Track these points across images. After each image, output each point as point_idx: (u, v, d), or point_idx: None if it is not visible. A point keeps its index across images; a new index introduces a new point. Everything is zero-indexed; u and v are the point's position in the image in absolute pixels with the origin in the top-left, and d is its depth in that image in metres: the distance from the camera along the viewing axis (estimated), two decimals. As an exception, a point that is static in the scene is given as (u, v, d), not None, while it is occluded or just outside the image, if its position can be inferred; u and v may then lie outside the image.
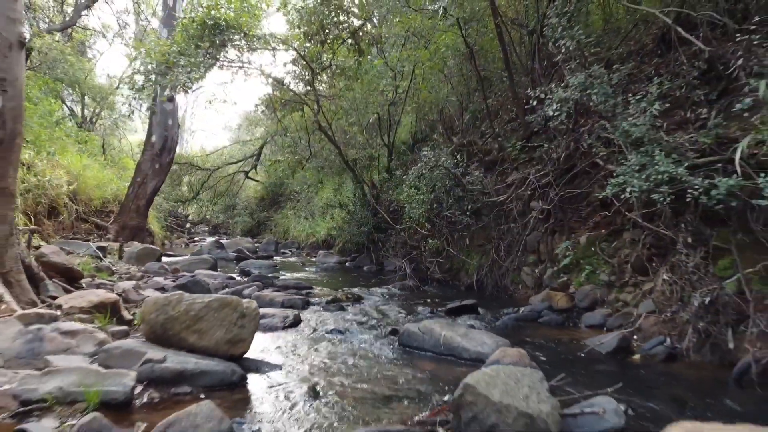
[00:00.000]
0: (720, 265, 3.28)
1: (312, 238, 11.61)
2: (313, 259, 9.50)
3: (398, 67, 7.55)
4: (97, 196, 10.58)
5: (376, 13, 10.18)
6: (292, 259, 9.95)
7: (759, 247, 3.04)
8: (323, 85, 7.85)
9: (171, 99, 10.79)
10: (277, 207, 17.00)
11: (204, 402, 1.76)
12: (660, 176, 2.99)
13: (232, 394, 2.28)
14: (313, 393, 2.29)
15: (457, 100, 7.41)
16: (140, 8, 13.64)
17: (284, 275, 6.84)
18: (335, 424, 1.96)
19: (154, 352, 2.40)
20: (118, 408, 2.02)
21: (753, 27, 3.65)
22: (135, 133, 17.29)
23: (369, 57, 7.03)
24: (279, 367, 2.70)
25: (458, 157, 6.00)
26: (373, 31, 6.57)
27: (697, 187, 2.86)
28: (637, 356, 3.14)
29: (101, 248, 6.90)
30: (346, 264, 8.63)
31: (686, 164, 3.11)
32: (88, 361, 2.50)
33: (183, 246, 13.81)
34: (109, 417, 1.82)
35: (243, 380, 2.42)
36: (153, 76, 5.65)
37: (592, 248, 4.51)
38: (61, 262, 4.30)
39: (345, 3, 6.33)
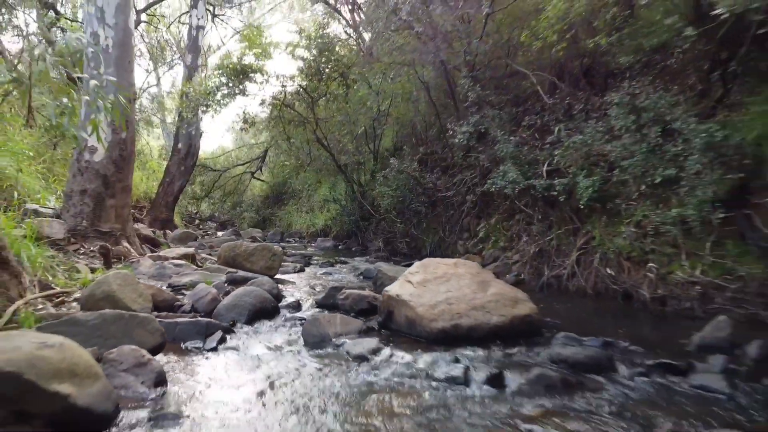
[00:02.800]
0: (553, 230, 5.55)
1: (312, 229, 13.88)
2: (313, 245, 11.78)
3: (380, 92, 9.80)
4: (132, 194, 12.88)
5: (368, 33, 12.42)
6: (295, 244, 12.24)
7: (567, 220, 5.32)
8: (320, 107, 10.09)
9: (195, 113, 13.10)
10: (281, 204, 19.23)
11: (265, 276, 4.04)
12: (508, 178, 5.27)
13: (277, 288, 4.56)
14: (311, 287, 4.58)
15: (422, 120, 9.69)
16: (163, 35, 15.91)
17: (291, 252, 9.12)
18: (324, 288, 4.24)
19: (230, 269, 4.69)
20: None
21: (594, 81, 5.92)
22: (157, 139, 19.55)
23: (355, 87, 9.29)
24: (294, 282, 4.99)
25: (416, 163, 8.28)
26: (357, 72, 8.81)
27: (522, 185, 5.14)
28: (499, 283, 5.40)
29: (154, 232, 9.16)
30: (339, 247, 10.91)
31: (527, 171, 5.39)
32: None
33: (200, 237, 16.12)
34: (221, 286, 4.11)
35: (277, 283, 4.70)
36: (200, 106, 7.94)
37: (498, 226, 6.79)
38: (147, 234, 6.60)
39: (336, 54, 8.60)
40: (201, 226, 22.64)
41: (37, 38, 13.10)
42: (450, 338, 2.79)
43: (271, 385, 2.20)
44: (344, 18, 16.60)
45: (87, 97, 2.84)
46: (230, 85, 8.04)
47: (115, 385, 1.98)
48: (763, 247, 3.28)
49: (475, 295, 2.97)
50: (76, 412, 1.64)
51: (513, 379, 2.22)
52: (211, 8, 15.32)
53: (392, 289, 3.14)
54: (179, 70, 20.69)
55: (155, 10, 14.82)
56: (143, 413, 1.84)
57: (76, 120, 3.51)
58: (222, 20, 15.42)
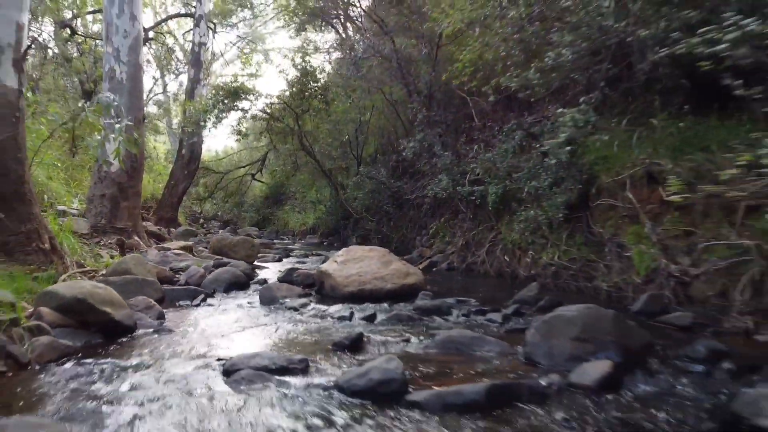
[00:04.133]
0: (479, 227, 6.87)
1: (303, 227, 15.26)
2: (302, 241, 13.16)
3: (360, 106, 11.15)
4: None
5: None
6: (287, 241, 13.63)
7: (487, 219, 6.62)
8: (306, 120, 11.46)
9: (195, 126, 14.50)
10: (279, 204, 20.65)
11: (243, 262, 5.40)
12: (441, 185, 6.59)
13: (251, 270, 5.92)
14: (280, 270, 5.93)
15: (394, 131, 11.03)
16: (169, 48, 17.33)
17: (278, 246, 10.48)
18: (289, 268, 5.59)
19: (218, 257, 6.06)
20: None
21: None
22: (164, 143, 21.02)
23: (335, 103, 10.67)
24: (268, 267, 6.35)
25: (383, 170, 9.62)
26: (334, 91, 10.20)
27: (450, 191, 6.45)
28: (434, 269, 6.73)
29: (159, 229, 10.56)
30: (324, 243, 12.28)
31: (459, 180, 6.71)
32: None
33: (201, 234, 17.57)
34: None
35: (254, 268, 6.05)
36: (199, 122, 9.34)
37: (445, 224, 8.11)
38: (154, 231, 7.97)
39: (317, 76, 9.99)
40: (205, 225, 24.09)
41: (53, 51, 14.62)
42: (357, 298, 4.13)
43: (233, 320, 3.56)
44: (337, 31, 17.96)
45: (113, 135, 4.19)
46: (226, 102, 9.42)
47: (134, 318, 3.33)
48: (590, 239, 4.59)
49: (379, 270, 4.31)
50: (114, 323, 2.99)
51: (380, 317, 3.56)
52: (212, 25, 16.76)
53: (323, 266, 4.49)
54: (184, 77, 22.22)
55: (161, 27, 16.24)
56: (151, 329, 3.20)
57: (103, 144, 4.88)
58: (222, 35, 16.78)
